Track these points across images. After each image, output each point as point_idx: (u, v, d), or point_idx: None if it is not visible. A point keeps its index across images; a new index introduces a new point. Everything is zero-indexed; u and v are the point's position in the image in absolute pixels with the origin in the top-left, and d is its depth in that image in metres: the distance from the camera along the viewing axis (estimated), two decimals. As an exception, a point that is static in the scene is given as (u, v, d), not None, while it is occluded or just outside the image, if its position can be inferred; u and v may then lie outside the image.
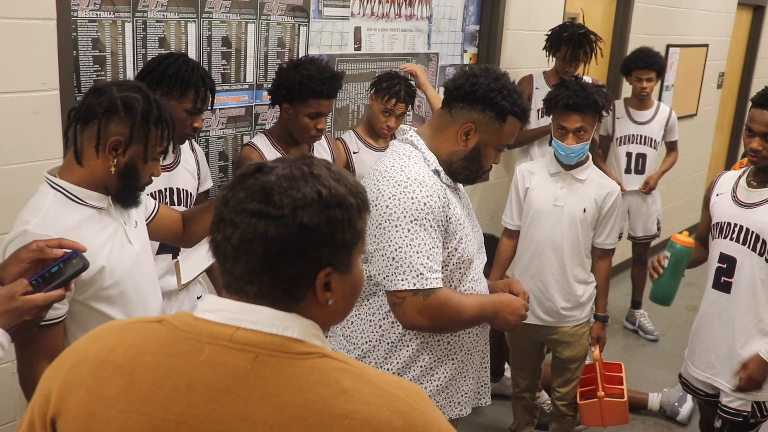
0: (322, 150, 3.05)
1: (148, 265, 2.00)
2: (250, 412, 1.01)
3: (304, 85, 2.69)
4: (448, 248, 2.05)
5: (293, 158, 1.14)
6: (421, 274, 1.94)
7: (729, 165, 8.12)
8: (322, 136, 3.06)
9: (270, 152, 2.81)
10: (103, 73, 2.54)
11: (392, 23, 3.65)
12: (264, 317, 1.07)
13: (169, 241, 2.39)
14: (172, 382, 1.04)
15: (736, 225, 2.71)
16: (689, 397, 3.88)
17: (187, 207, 2.54)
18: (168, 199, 2.49)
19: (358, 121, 3.59)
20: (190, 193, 2.58)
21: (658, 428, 4.04)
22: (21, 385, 1.79)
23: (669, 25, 6.04)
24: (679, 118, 5.13)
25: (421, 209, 1.94)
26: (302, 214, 1.06)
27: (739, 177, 2.81)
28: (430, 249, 1.96)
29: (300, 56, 3.10)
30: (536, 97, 4.20)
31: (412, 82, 3.32)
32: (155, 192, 2.40)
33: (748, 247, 2.68)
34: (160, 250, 2.46)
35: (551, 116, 3.14)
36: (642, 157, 4.91)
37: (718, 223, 2.79)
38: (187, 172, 2.58)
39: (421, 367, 2.12)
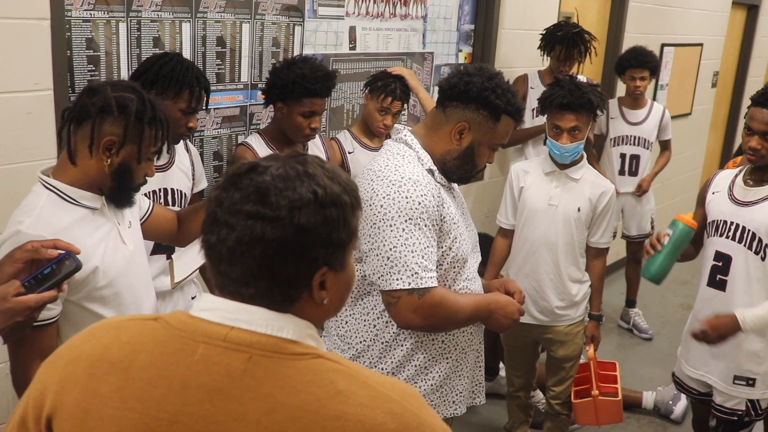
0: (316, 149, 3.05)
1: (142, 266, 2.00)
2: (244, 412, 1.01)
3: (298, 84, 2.69)
4: (442, 247, 2.05)
5: (285, 156, 1.13)
6: (415, 273, 1.94)
7: (723, 164, 8.13)
8: (317, 136, 3.06)
9: (264, 152, 2.80)
10: (97, 73, 2.53)
11: (387, 23, 3.65)
12: (259, 317, 1.07)
13: (164, 241, 2.38)
14: (166, 380, 1.04)
15: (732, 223, 2.72)
16: (683, 395, 3.89)
17: (181, 208, 2.54)
18: (162, 200, 2.48)
19: (353, 120, 3.59)
20: (185, 194, 2.58)
21: (652, 427, 4.05)
22: (14, 386, 1.79)
23: (663, 25, 6.05)
24: (673, 117, 5.15)
25: (416, 208, 1.95)
26: (299, 215, 1.05)
27: (736, 175, 2.82)
28: (424, 248, 1.96)
29: (294, 56, 3.09)
30: (531, 96, 4.21)
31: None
32: (149, 192, 2.40)
33: (744, 245, 2.69)
34: (155, 251, 2.46)
35: (546, 115, 3.15)
36: (636, 158, 4.92)
37: (714, 221, 2.79)
38: (182, 172, 2.57)
39: (415, 366, 2.12)
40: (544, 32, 4.20)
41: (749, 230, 2.68)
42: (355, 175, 3.04)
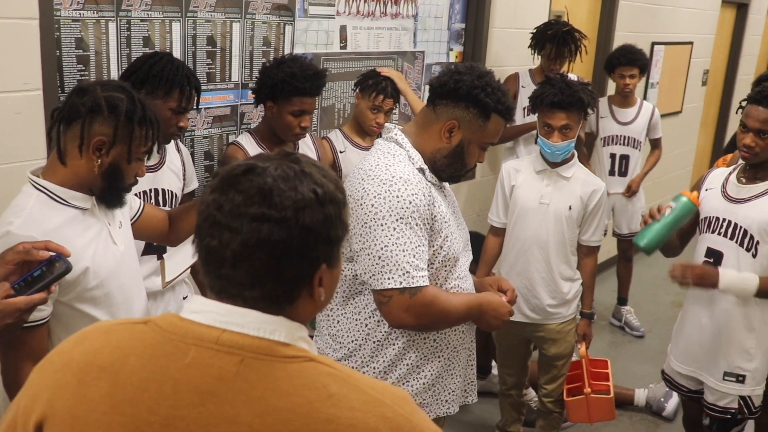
0: (307, 149, 3.04)
1: (132, 266, 1.99)
2: (236, 415, 1.01)
3: (287, 83, 2.69)
4: (433, 246, 2.05)
5: (278, 156, 1.13)
6: (407, 272, 1.94)
7: (713, 162, 8.18)
8: (307, 135, 3.06)
9: (255, 151, 2.80)
10: (87, 72, 2.52)
11: (378, 22, 3.65)
12: (251, 320, 1.07)
13: (155, 241, 2.38)
14: (157, 384, 1.04)
15: (724, 220, 2.73)
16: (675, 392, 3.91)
17: (172, 208, 2.53)
18: (153, 200, 2.47)
19: (345, 120, 3.59)
20: (176, 194, 2.57)
21: (644, 424, 4.07)
22: (5, 388, 1.78)
23: (654, 23, 6.07)
24: (664, 116, 5.16)
25: (407, 208, 1.95)
26: (303, 215, 1.06)
27: (730, 173, 2.83)
28: (416, 247, 1.96)
29: (285, 55, 3.09)
30: (522, 95, 4.21)
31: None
32: (140, 193, 2.39)
33: (736, 242, 2.70)
34: (146, 251, 2.45)
35: (537, 114, 3.15)
36: (625, 158, 4.95)
37: (706, 218, 2.80)
38: (173, 172, 2.57)
39: (407, 365, 2.12)
40: (534, 31, 4.20)
41: (741, 227, 2.69)
42: (347, 174, 3.03)
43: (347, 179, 2.11)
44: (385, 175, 1.98)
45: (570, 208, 3.14)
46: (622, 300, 5.32)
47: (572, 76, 3.88)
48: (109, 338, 1.11)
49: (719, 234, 2.74)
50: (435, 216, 2.03)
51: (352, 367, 2.09)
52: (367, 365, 2.11)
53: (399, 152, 2.07)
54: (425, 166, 2.09)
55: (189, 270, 2.46)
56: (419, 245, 1.97)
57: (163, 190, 2.51)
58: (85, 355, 1.09)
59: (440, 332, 2.15)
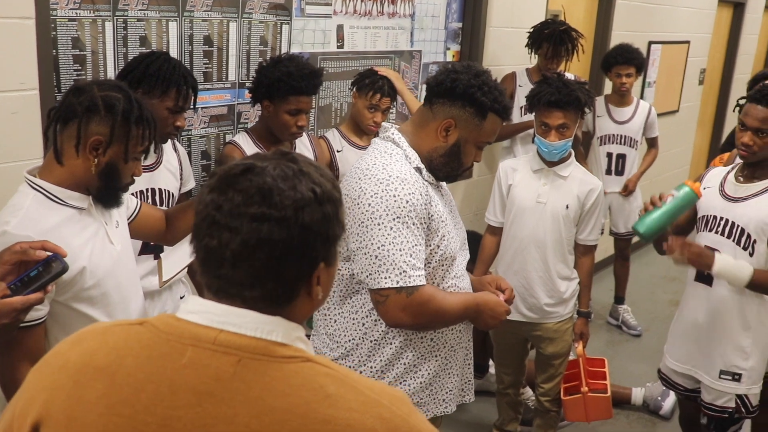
0: (304, 148, 3.04)
1: (129, 265, 1.99)
2: (233, 415, 1.01)
3: (283, 82, 2.69)
4: (430, 245, 2.05)
5: (274, 155, 1.13)
6: (404, 271, 1.94)
7: (710, 161, 8.20)
8: (305, 135, 3.06)
9: (252, 150, 2.79)
10: (83, 72, 2.52)
11: (375, 21, 3.65)
12: (248, 321, 1.07)
13: (152, 240, 2.38)
14: (154, 384, 1.04)
15: (722, 218, 2.73)
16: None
17: (169, 208, 2.53)
18: (150, 200, 2.47)
19: (342, 119, 3.59)
20: (173, 194, 2.57)
21: (641, 423, 4.07)
22: (2, 388, 1.78)
23: (651, 22, 6.08)
24: (661, 115, 5.17)
25: (404, 207, 1.95)
26: (303, 214, 1.06)
27: (728, 172, 2.83)
28: (412, 246, 1.96)
29: (281, 54, 3.09)
30: (519, 94, 4.21)
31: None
32: (137, 192, 2.38)
33: (733, 240, 2.70)
34: (142, 251, 2.45)
35: (534, 113, 3.15)
36: (622, 157, 4.95)
37: (704, 216, 2.81)
38: (169, 172, 2.56)
39: (404, 364, 2.12)
40: (531, 30, 4.20)
41: (738, 226, 2.69)
42: (344, 173, 3.03)
43: (344, 178, 2.11)
44: (382, 175, 1.98)
45: (567, 207, 3.14)
46: (619, 299, 5.33)
47: (569, 76, 3.88)
48: (106, 339, 1.11)
49: (717, 233, 2.75)
50: (432, 215, 2.03)
51: (349, 367, 2.10)
52: (365, 364, 2.12)
53: (396, 151, 2.07)
54: (422, 166, 2.09)
55: (186, 269, 2.46)
56: (416, 244, 1.97)
57: (159, 189, 2.51)
58: (81, 357, 1.09)
59: (437, 331, 2.15)
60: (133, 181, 1.91)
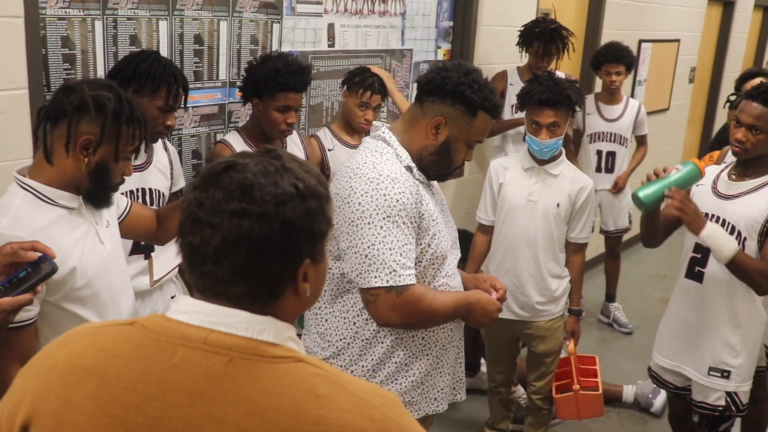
0: (295, 147, 3.04)
1: (120, 265, 1.99)
2: (225, 415, 1.01)
3: (271, 79, 2.69)
4: (421, 244, 2.05)
5: (259, 153, 1.13)
6: (394, 271, 1.94)
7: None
8: (296, 134, 3.06)
9: (243, 149, 2.79)
10: (73, 71, 2.51)
11: (366, 20, 3.64)
12: (239, 321, 1.07)
13: (143, 240, 2.37)
14: (144, 385, 1.03)
15: (713, 216, 2.74)
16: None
17: (159, 207, 2.52)
18: (140, 200, 2.46)
19: (333, 118, 3.58)
20: (163, 193, 2.56)
21: (632, 420, 4.08)
22: (-8, 388, 1.77)
23: (641, 21, 6.09)
24: (651, 113, 5.19)
25: (394, 206, 1.94)
26: (284, 210, 1.06)
27: (722, 171, 2.84)
28: (403, 246, 1.96)
29: (270, 52, 3.08)
30: (510, 92, 4.22)
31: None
32: (127, 192, 2.38)
33: None
34: (133, 251, 2.44)
35: (525, 112, 3.16)
36: (612, 155, 4.97)
37: None
38: (160, 171, 2.56)
39: (395, 363, 2.12)
40: (522, 29, 4.21)
41: (729, 223, 2.70)
42: (335, 172, 3.03)
43: (335, 177, 2.11)
44: (373, 174, 1.98)
45: (558, 205, 3.15)
46: (610, 297, 5.34)
47: (560, 74, 3.88)
48: (94, 340, 1.10)
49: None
50: (422, 214, 2.03)
51: (341, 366, 2.10)
52: (356, 363, 2.11)
53: (386, 150, 2.07)
54: (413, 164, 2.09)
55: (177, 269, 2.45)
56: (406, 244, 1.97)
57: (150, 189, 2.50)
58: (70, 357, 1.09)
59: (428, 330, 2.15)
60: (123, 181, 1.90)
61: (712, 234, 2.57)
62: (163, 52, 2.74)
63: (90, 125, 1.75)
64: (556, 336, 3.32)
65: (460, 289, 2.24)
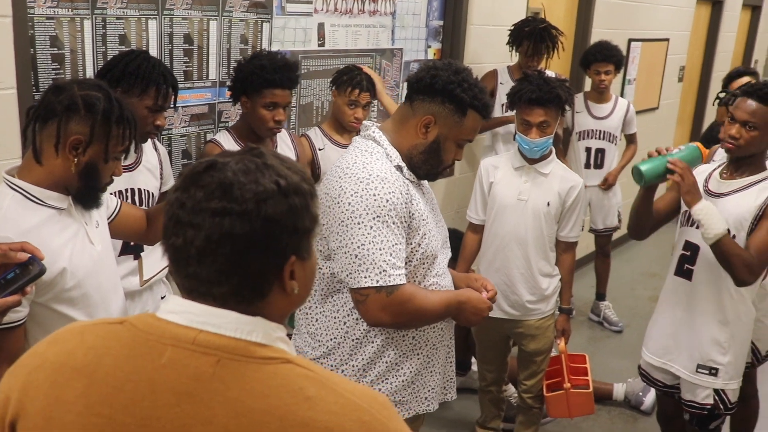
0: (285, 147, 3.04)
1: (110, 266, 1.98)
2: (212, 416, 1.01)
3: (257, 75, 2.69)
4: (411, 244, 2.05)
5: (240, 151, 1.13)
6: (384, 270, 1.94)
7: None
8: (286, 133, 3.05)
9: (233, 149, 2.77)
10: (62, 71, 2.50)
11: (356, 19, 3.64)
12: (228, 321, 1.06)
13: (133, 240, 2.36)
14: (133, 384, 1.03)
15: None
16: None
17: (149, 207, 2.51)
18: (129, 200, 2.45)
19: (323, 117, 3.58)
20: (152, 194, 2.55)
21: (623, 418, 4.10)
22: (-19, 389, 1.76)
23: (630, 20, 6.11)
24: (641, 112, 5.20)
25: (384, 206, 1.94)
26: (265, 207, 1.05)
27: (714, 169, 2.85)
28: (392, 246, 1.96)
29: (259, 50, 3.08)
30: (501, 91, 4.23)
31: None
32: (116, 192, 2.37)
33: None
34: (123, 252, 2.43)
35: (515, 111, 3.16)
36: (601, 152, 4.99)
37: (686, 211, 2.83)
38: (149, 171, 2.55)
39: (386, 362, 2.12)
40: (512, 28, 4.22)
41: None
42: (326, 171, 3.03)
43: (325, 177, 2.11)
44: (362, 174, 1.98)
45: (548, 204, 3.15)
46: (601, 295, 5.36)
47: (550, 73, 3.89)
48: (84, 339, 1.10)
49: (697, 227, 2.76)
50: (413, 214, 2.03)
51: (331, 365, 2.10)
52: (346, 363, 2.11)
53: (376, 150, 2.07)
54: (403, 164, 2.08)
55: (167, 269, 2.45)
56: (396, 243, 1.97)
57: (139, 189, 2.50)
58: (59, 356, 1.09)
59: (419, 330, 2.15)
60: (112, 181, 1.89)
61: (706, 209, 2.59)
62: (153, 51, 2.73)
63: (80, 125, 1.75)
64: (546, 335, 3.33)
65: (451, 289, 2.24)
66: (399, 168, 2.06)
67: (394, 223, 1.96)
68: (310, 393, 1.02)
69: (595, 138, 4.97)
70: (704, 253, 2.74)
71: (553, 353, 3.46)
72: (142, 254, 2.44)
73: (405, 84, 3.40)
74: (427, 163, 2.12)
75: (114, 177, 1.88)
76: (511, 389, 3.92)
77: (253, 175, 1.07)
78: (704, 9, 7.85)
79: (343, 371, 2.11)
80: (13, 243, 1.58)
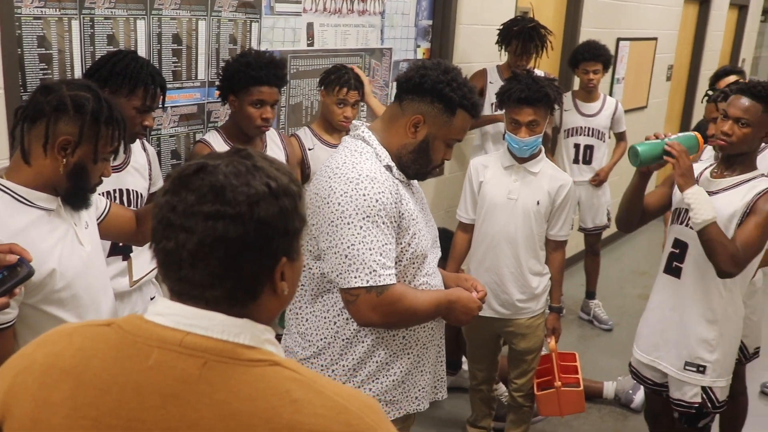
0: (275, 147, 3.03)
1: (99, 266, 1.97)
2: (198, 418, 1.00)
3: (243, 73, 2.69)
4: (401, 244, 2.05)
5: (228, 153, 1.13)
6: (374, 270, 1.94)
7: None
8: (276, 133, 3.05)
9: (222, 149, 2.76)
10: (49, 71, 2.49)
11: (345, 19, 3.64)
12: (216, 323, 1.06)
13: (122, 240, 2.35)
14: (119, 386, 1.03)
15: None
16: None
17: (138, 208, 2.50)
18: (118, 201, 2.44)
19: (313, 117, 3.58)
20: (141, 194, 2.54)
21: (613, 416, 4.11)
22: (-30, 392, 1.75)
23: (619, 19, 6.14)
24: (629, 111, 5.22)
25: (373, 206, 1.94)
26: (258, 209, 1.05)
27: (705, 169, 2.86)
28: (382, 245, 1.96)
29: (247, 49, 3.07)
30: (490, 91, 4.23)
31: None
32: (104, 193, 2.36)
33: None
34: (112, 252, 2.42)
35: (504, 110, 3.17)
36: (589, 148, 5.01)
37: (676, 209, 2.85)
38: (138, 172, 2.54)
39: (376, 362, 2.12)
40: (501, 27, 4.22)
41: None
42: (315, 171, 3.03)
43: (315, 177, 2.10)
44: (352, 174, 1.98)
45: (538, 203, 3.16)
46: (590, 294, 5.38)
47: (539, 72, 3.90)
48: (72, 340, 1.09)
49: (686, 225, 2.78)
50: (402, 213, 2.03)
51: (321, 365, 2.09)
52: (336, 363, 2.11)
53: (366, 150, 2.07)
54: (392, 164, 2.08)
55: (156, 270, 2.44)
56: (386, 243, 1.97)
57: (128, 190, 2.49)
58: (47, 358, 1.08)
59: (409, 329, 2.15)
60: (101, 182, 1.89)
61: (698, 194, 2.61)
62: (141, 51, 2.72)
63: (68, 126, 1.74)
64: (536, 333, 3.34)
65: (441, 288, 2.24)
66: (388, 168, 2.06)
67: (384, 223, 1.96)
68: (297, 396, 1.02)
69: (584, 135, 4.99)
70: (692, 249, 2.75)
71: (544, 352, 3.47)
72: (131, 255, 2.43)
73: (394, 83, 3.40)
74: (416, 163, 2.12)
75: (103, 178, 1.87)
76: (501, 388, 3.93)
77: (245, 177, 1.06)
78: (692, 8, 7.88)
79: (333, 371, 2.10)
80: (1, 245, 1.57)
